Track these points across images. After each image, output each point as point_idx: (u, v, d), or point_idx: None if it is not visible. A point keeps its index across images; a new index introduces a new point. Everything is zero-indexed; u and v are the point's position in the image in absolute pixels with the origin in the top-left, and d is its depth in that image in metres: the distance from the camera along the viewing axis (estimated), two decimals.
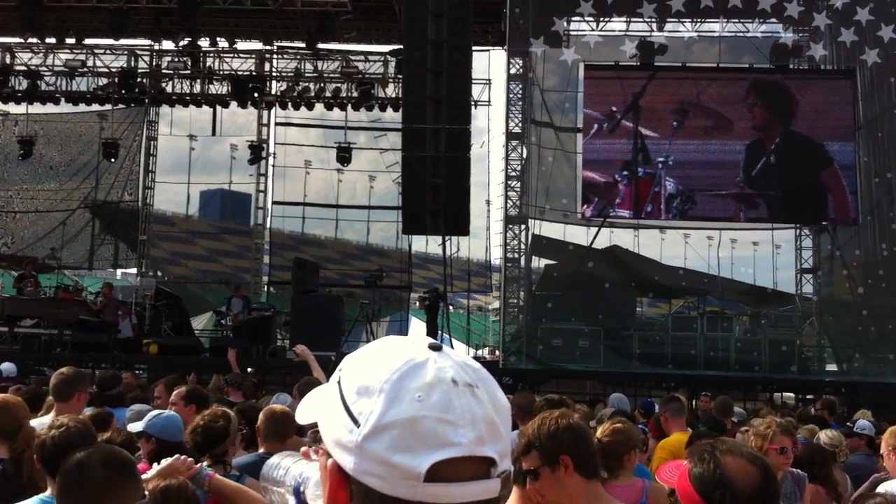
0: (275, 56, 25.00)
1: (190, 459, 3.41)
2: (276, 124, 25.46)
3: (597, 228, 19.77)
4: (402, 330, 20.62)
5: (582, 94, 20.43)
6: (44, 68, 24.92)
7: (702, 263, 20.94)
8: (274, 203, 25.34)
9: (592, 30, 20.87)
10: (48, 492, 3.20)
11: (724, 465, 2.14)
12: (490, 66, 24.10)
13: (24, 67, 24.83)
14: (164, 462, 3.33)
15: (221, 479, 3.48)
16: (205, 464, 3.58)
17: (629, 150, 20.34)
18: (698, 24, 21.08)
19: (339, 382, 1.15)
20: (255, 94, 24.65)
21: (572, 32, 20.83)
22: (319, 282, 20.32)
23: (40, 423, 5.24)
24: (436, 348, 1.14)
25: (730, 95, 20.44)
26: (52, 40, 23.43)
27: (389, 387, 1.08)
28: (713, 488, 2.11)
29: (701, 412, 10.98)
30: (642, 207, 20.28)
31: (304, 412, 1.21)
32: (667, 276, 20.71)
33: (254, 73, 24.60)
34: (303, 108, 24.59)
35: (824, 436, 6.56)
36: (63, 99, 25.07)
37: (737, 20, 20.84)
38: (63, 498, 2.50)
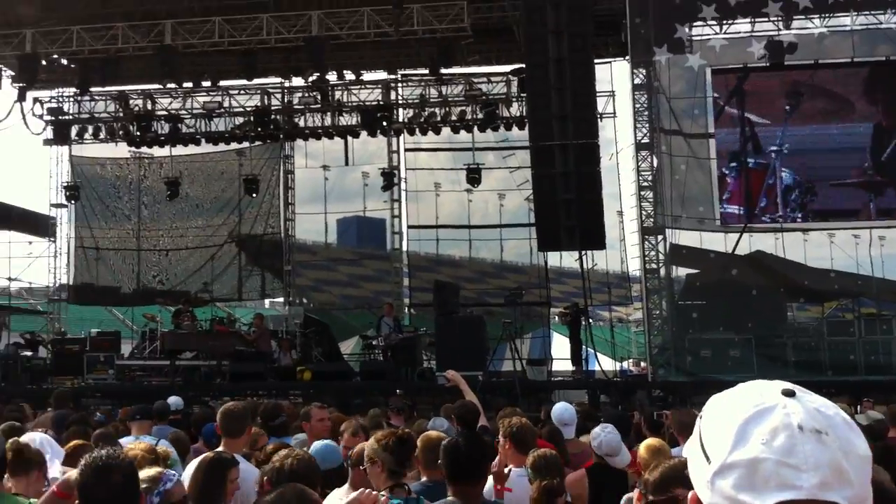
0: (400, 84, 25.56)
1: (374, 493, 3.43)
2: (406, 150, 25.96)
3: (737, 235, 19.32)
4: (545, 346, 20.66)
5: (711, 98, 20.11)
6: (183, 112, 26.12)
7: (850, 263, 20.04)
8: (409, 227, 25.90)
9: (717, 33, 20.43)
10: None
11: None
12: (612, 77, 24.02)
13: (164, 112, 26.07)
14: (350, 496, 3.37)
15: None
16: (389, 496, 3.61)
17: (736, 139, 19.55)
18: (827, 18, 20.39)
19: (700, 420, 1.26)
20: (384, 123, 25.25)
21: (696, 38, 20.41)
22: (460, 302, 20.64)
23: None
24: (789, 394, 1.20)
25: (847, 75, 19.32)
26: (189, 84, 24.38)
27: (737, 429, 1.17)
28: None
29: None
30: (755, 202, 19.30)
31: (684, 449, 1.39)
32: (816, 280, 19.92)
33: (381, 103, 25.20)
34: (430, 133, 24.97)
35: None
36: (203, 139, 26.16)
37: (867, 12, 20.12)
38: None
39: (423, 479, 4.87)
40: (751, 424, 1.17)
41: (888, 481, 2.30)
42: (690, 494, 1.23)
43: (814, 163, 19.30)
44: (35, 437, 4.98)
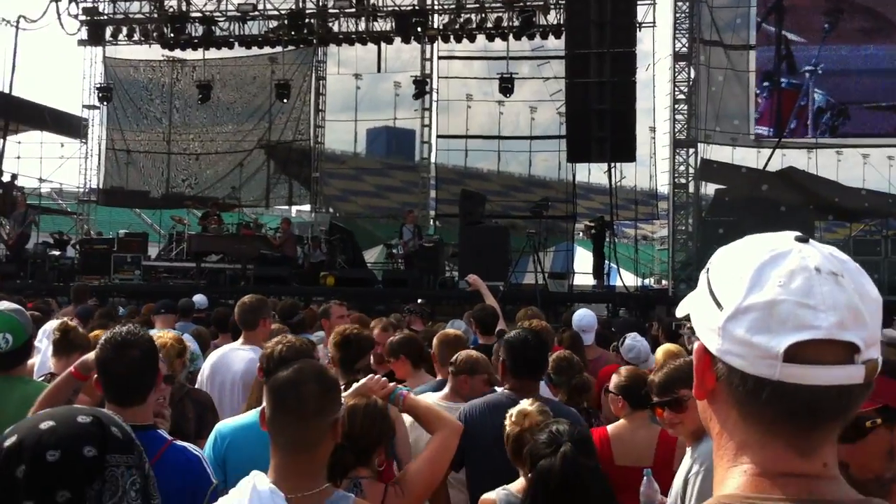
0: None
1: (384, 379, 3.38)
2: (439, 58, 25.42)
3: (770, 150, 18.88)
4: (568, 260, 20.54)
5: (754, 8, 19.44)
6: (217, 14, 25.72)
7: (883, 183, 19.65)
8: (438, 137, 25.40)
9: None
10: None
11: None
12: None
13: (199, 14, 25.73)
14: (361, 381, 3.35)
15: (415, 398, 3.43)
16: (401, 386, 3.54)
17: (770, 58, 19.03)
18: None
19: (707, 272, 1.22)
20: (418, 29, 24.74)
21: None
22: (485, 213, 20.48)
23: (230, 347, 5.59)
24: (802, 240, 1.17)
25: None
26: None
27: (751, 273, 1.14)
28: None
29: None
30: (785, 124, 18.78)
31: (681, 307, 1.29)
32: (848, 198, 19.37)
33: (416, 8, 24.68)
34: (465, 41, 24.43)
35: None
36: (236, 43, 25.87)
37: None
38: (283, 414, 2.50)
39: (439, 377, 4.97)
40: (767, 268, 1.14)
41: None
42: (696, 345, 1.20)
43: (848, 84, 18.75)
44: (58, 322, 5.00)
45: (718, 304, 1.16)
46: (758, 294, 1.12)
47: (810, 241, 1.17)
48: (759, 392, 1.12)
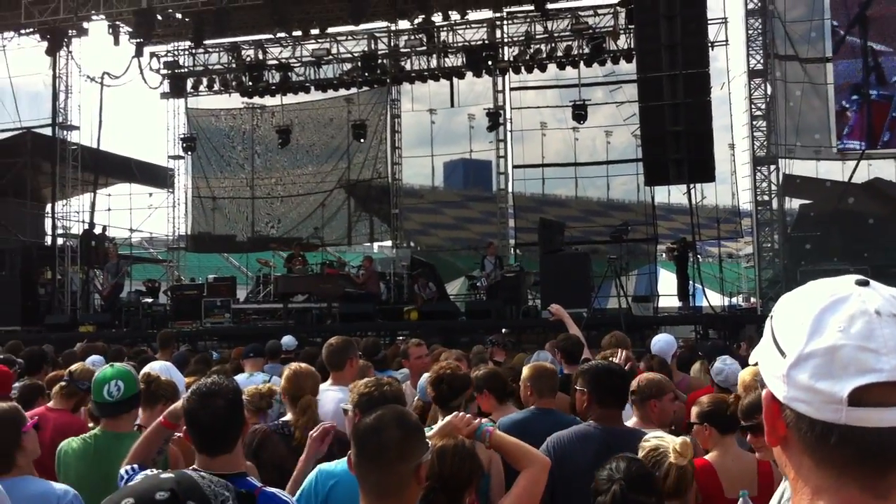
0: (505, 22, 25.17)
1: (468, 416, 3.36)
2: (511, 89, 25.56)
3: (854, 162, 18.42)
4: (651, 283, 20.25)
5: (828, 20, 19.07)
6: (293, 60, 26.44)
7: None
8: (514, 167, 25.51)
9: None
10: None
11: None
12: (725, 3, 23.14)
13: (275, 61, 26.48)
14: (444, 420, 3.36)
15: (502, 434, 3.39)
16: (486, 422, 3.50)
17: (856, 70, 18.58)
18: None
19: (771, 319, 1.24)
20: (489, 63, 24.99)
21: None
22: (565, 240, 20.39)
23: (321, 388, 5.57)
24: (862, 283, 1.17)
25: None
26: (298, 33, 24.61)
27: (812, 319, 1.14)
28: None
29: None
30: (878, 137, 18.35)
31: (752, 354, 1.30)
32: None
33: (486, 42, 24.92)
34: (536, 71, 24.57)
35: None
36: (312, 87, 26.49)
37: None
38: (366, 460, 2.53)
39: (532, 407, 4.92)
40: (826, 313, 1.14)
41: None
42: (764, 392, 1.22)
43: None
44: (155, 365, 5.14)
45: (782, 352, 1.17)
46: (819, 340, 1.13)
47: (871, 283, 1.17)
48: (827, 437, 1.13)
